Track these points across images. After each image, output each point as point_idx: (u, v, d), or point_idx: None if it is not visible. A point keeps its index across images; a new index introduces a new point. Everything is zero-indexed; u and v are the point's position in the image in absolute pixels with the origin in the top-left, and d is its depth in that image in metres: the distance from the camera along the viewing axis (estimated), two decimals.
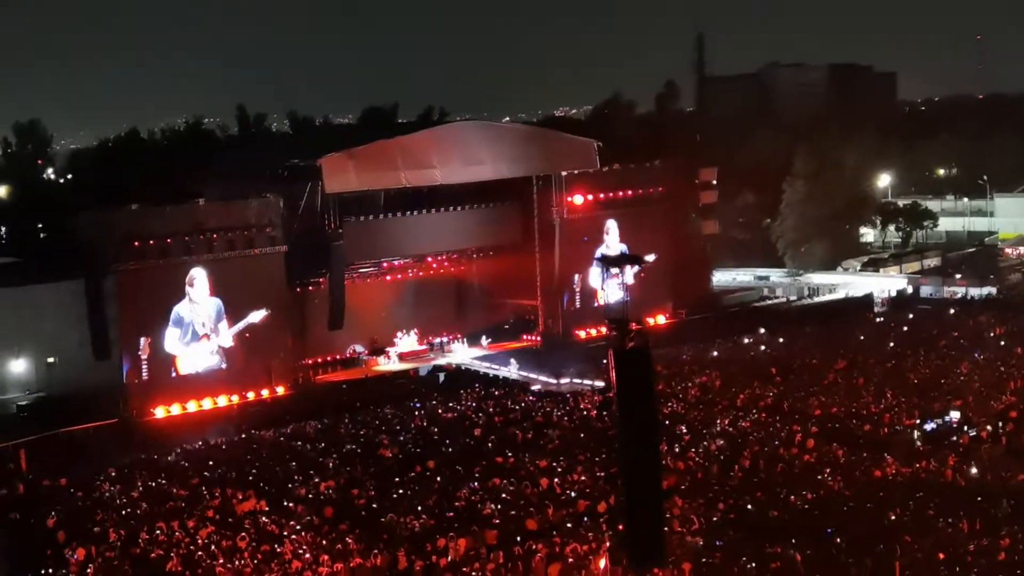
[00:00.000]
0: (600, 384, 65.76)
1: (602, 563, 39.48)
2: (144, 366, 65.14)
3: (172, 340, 66.27)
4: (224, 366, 68.23)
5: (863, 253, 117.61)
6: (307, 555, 41.65)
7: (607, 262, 78.89)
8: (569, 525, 44.16)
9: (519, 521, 44.74)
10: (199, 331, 67.29)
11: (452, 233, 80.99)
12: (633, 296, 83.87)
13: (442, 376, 74.03)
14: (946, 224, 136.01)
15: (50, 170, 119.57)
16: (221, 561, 41.34)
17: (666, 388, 64.39)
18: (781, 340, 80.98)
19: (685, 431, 56.55)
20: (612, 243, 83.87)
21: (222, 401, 66.91)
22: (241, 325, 68.55)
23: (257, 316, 68.87)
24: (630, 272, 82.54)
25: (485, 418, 62.16)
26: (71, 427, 60.34)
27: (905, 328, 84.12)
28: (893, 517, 43.53)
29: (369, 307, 77.78)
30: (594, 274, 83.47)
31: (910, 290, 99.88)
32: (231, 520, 46.24)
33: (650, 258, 76.76)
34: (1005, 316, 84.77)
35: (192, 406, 65.96)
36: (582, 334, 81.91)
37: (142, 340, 64.93)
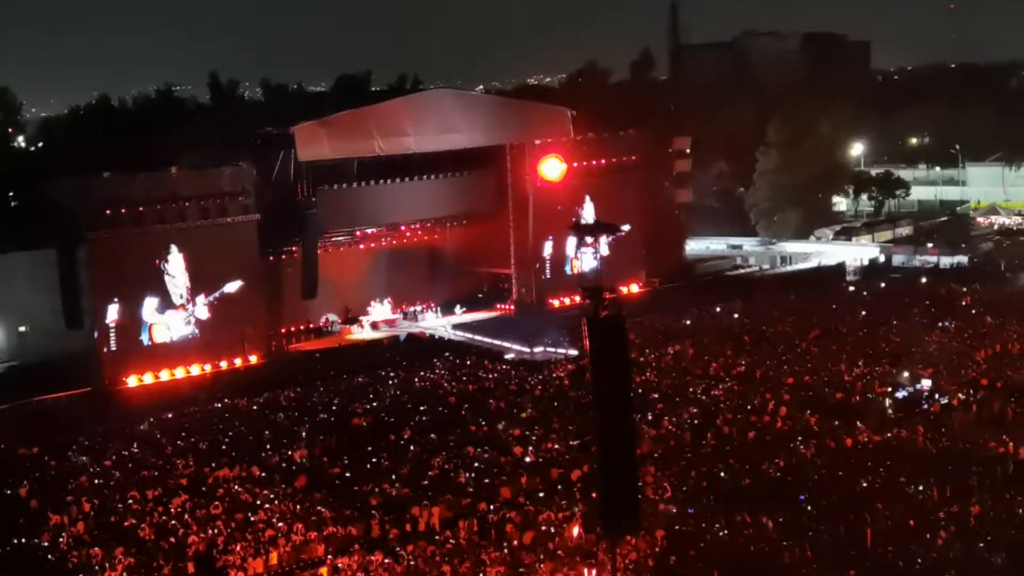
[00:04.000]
0: (574, 353, 65.93)
1: (576, 531, 39.68)
2: (117, 335, 64.85)
3: (149, 309, 65.99)
4: (198, 335, 67.98)
5: (836, 222, 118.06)
6: (281, 524, 41.72)
7: (581, 231, 78.95)
8: (542, 493, 44.36)
9: (493, 489, 44.90)
10: (176, 301, 67.04)
11: (426, 202, 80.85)
12: (607, 265, 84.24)
13: (405, 338, 74.32)
14: (918, 193, 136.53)
15: (20, 138, 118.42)
16: (195, 529, 41.39)
17: (639, 357, 64.54)
18: (754, 309, 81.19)
19: (658, 399, 56.77)
20: (586, 214, 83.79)
21: (195, 370, 66.74)
22: (216, 295, 68.31)
23: (233, 287, 68.66)
24: (604, 241, 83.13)
25: (459, 387, 62.26)
26: (44, 396, 60.14)
27: (877, 297, 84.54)
28: (865, 484, 43.93)
29: (342, 276, 77.67)
30: (568, 242, 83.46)
31: (882, 259, 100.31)
32: (204, 489, 46.26)
33: (625, 228, 77.10)
34: (976, 285, 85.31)
35: (165, 375, 65.79)
36: (556, 303, 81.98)
37: (115, 308, 64.64)
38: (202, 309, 67.93)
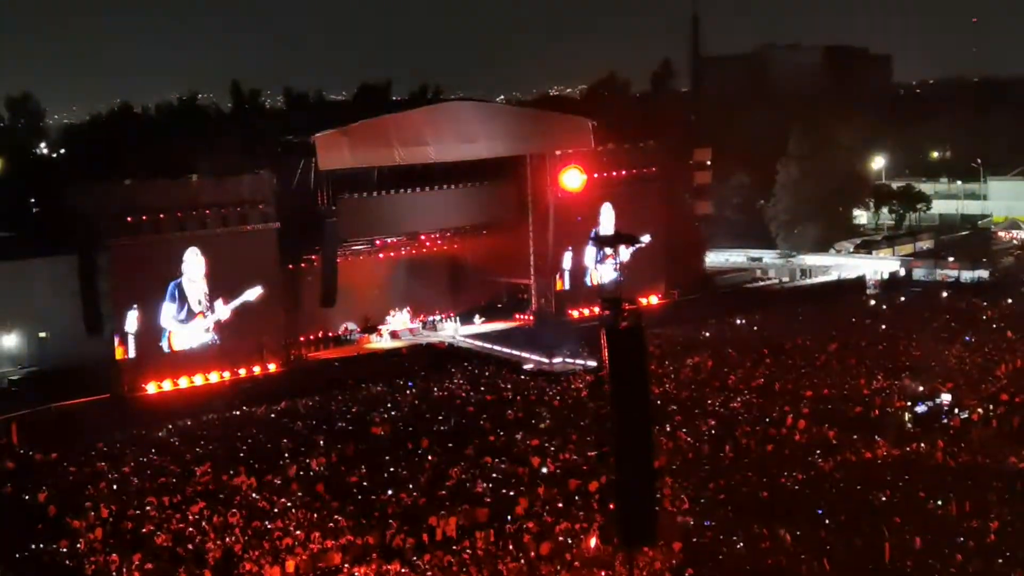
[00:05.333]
0: (593, 363, 65.81)
1: (592, 542, 39.63)
2: (136, 341, 65.03)
3: (167, 316, 66.19)
4: (217, 342, 68.14)
5: (856, 235, 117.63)
6: (298, 532, 41.73)
7: (602, 242, 78.90)
8: (560, 504, 44.30)
9: (510, 499, 44.86)
10: (195, 308, 67.21)
11: (446, 211, 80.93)
12: (626, 276, 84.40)
13: (426, 346, 74.53)
14: (939, 207, 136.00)
15: (43, 144, 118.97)
16: (212, 537, 41.45)
17: (658, 368, 64.44)
18: (773, 321, 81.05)
19: (677, 411, 56.67)
20: (606, 225, 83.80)
21: (214, 377, 66.86)
22: (237, 302, 68.45)
23: (253, 294, 68.81)
24: (625, 252, 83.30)
25: (477, 396, 62.26)
26: (63, 402, 60.33)
27: (897, 310, 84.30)
28: (883, 499, 43.77)
29: (362, 284, 77.72)
30: (588, 253, 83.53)
31: (903, 272, 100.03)
32: (222, 496, 46.34)
33: (645, 239, 77.26)
34: (997, 299, 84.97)
35: (184, 382, 65.93)
36: (575, 313, 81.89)
37: (134, 315, 64.83)
38: (222, 313, 68.05)
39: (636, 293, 72.88)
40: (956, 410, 55.60)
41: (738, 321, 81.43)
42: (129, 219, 64.59)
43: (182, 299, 66.69)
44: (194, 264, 67.03)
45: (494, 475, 47.99)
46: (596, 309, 74.12)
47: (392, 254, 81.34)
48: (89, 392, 61.67)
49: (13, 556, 40.82)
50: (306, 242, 72.80)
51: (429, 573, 38.00)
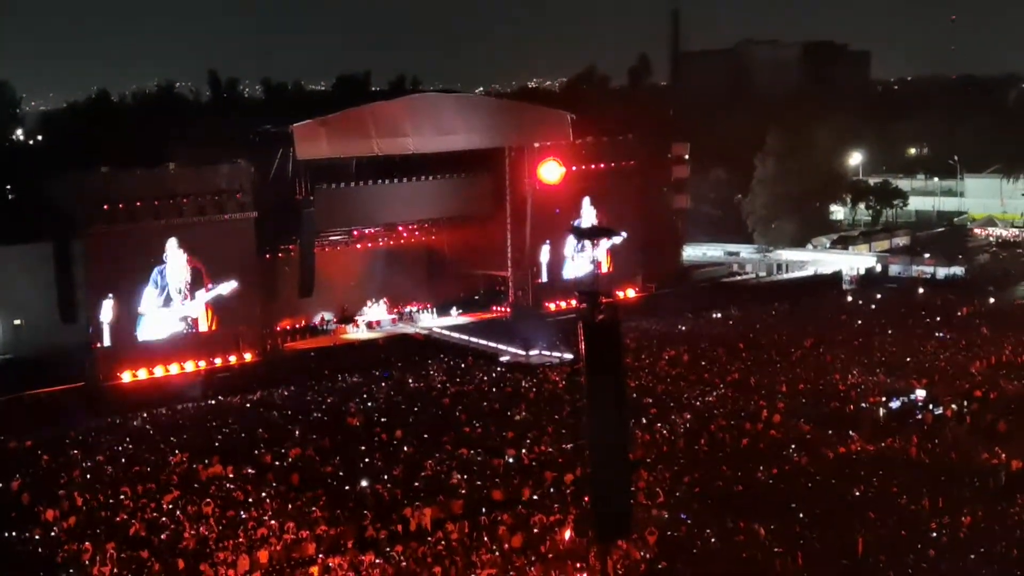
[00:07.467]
0: (569, 356, 65.82)
1: (567, 534, 39.64)
2: (111, 330, 64.76)
3: (148, 300, 65.94)
4: (193, 331, 67.92)
5: (833, 231, 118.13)
6: (273, 522, 41.67)
7: (581, 234, 78.85)
8: (535, 496, 44.33)
9: (485, 491, 44.87)
10: (174, 295, 66.99)
11: (423, 202, 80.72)
12: (604, 269, 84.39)
13: (400, 338, 74.37)
14: (916, 203, 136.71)
15: (19, 131, 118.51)
16: (186, 526, 41.34)
17: (635, 361, 64.54)
18: (750, 316, 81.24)
19: (653, 404, 56.75)
20: (585, 218, 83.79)
21: (189, 367, 66.61)
22: (212, 295, 68.20)
23: (227, 287, 68.54)
24: (603, 245, 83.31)
25: (453, 388, 62.23)
26: (37, 390, 60.04)
27: (873, 306, 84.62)
28: (857, 493, 43.97)
29: (339, 275, 77.61)
30: (566, 246, 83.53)
31: (879, 268, 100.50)
32: (196, 486, 46.23)
33: (622, 235, 77.34)
34: (972, 296, 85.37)
35: (159, 371, 65.68)
36: (552, 306, 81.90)
37: (109, 304, 64.56)
38: (197, 306, 67.87)
39: (613, 286, 72.83)
40: (930, 406, 55.82)
41: (714, 315, 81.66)
42: (105, 207, 64.24)
43: (163, 285, 66.46)
44: (174, 253, 66.77)
45: (469, 467, 47.97)
46: (573, 302, 74.20)
47: (369, 245, 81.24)
48: (63, 380, 61.37)
49: None
50: (283, 232, 72.64)
51: (403, 564, 37.96)
